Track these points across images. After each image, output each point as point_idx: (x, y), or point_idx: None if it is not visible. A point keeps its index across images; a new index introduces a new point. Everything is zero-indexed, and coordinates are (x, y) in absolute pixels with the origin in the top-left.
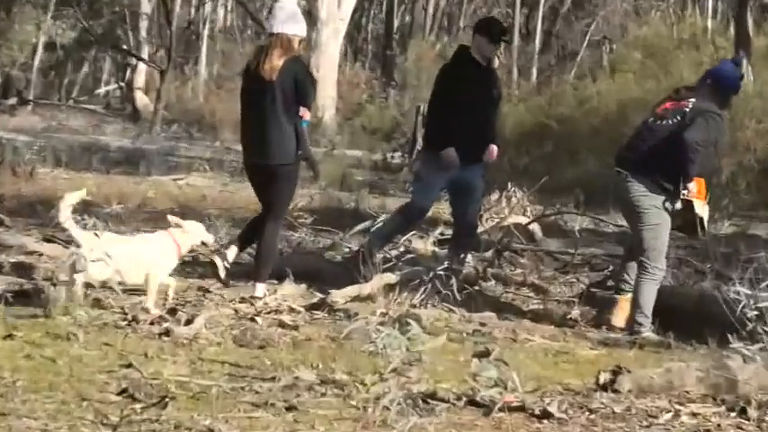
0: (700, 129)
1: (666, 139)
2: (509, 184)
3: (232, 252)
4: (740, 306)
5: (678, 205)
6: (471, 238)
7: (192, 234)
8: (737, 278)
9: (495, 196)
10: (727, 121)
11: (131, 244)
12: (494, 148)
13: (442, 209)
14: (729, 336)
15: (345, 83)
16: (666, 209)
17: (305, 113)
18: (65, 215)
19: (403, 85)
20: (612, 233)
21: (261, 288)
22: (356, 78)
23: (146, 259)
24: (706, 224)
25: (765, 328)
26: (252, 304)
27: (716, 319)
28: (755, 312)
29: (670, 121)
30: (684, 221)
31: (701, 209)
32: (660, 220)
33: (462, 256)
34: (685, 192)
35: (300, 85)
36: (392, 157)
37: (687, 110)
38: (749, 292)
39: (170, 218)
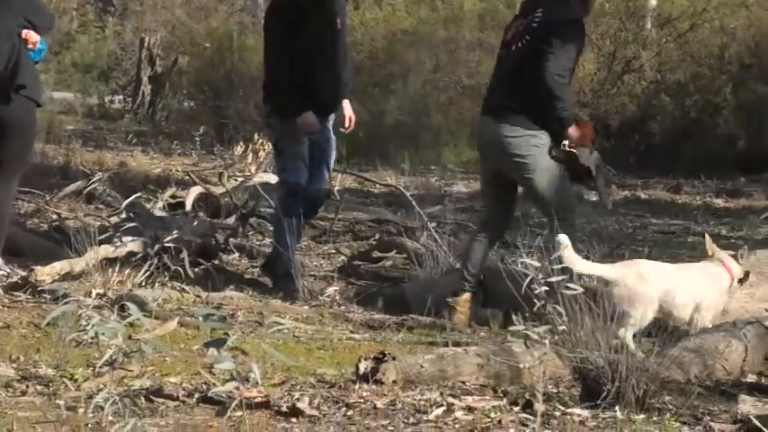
0: (556, 53)
1: (519, 71)
2: (256, 135)
3: None
4: (527, 280)
5: (560, 155)
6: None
7: None
8: (525, 247)
9: (239, 150)
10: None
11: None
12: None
13: (174, 164)
14: (514, 316)
15: (51, 8)
16: (551, 155)
17: (30, 36)
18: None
19: (124, 12)
20: (380, 194)
21: None
22: (64, 2)
23: None
24: (594, 174)
25: (556, 306)
26: None
27: (500, 296)
28: (545, 288)
29: (519, 44)
30: (572, 171)
31: (588, 158)
32: (549, 162)
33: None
34: (565, 142)
35: None
36: (111, 101)
37: (535, 25)
38: (538, 264)
39: None
